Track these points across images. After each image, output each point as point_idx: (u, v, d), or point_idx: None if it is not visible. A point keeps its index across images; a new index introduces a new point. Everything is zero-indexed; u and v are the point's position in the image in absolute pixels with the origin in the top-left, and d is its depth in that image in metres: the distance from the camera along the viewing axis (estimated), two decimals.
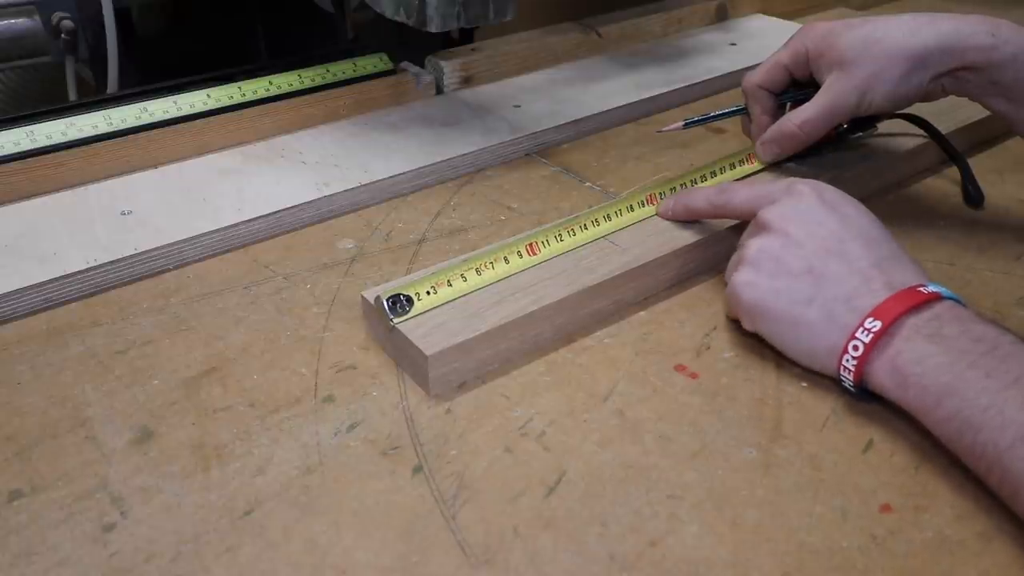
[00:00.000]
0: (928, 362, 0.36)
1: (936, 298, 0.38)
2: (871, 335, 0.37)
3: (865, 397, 0.39)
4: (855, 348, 0.38)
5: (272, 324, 0.45)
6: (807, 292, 0.40)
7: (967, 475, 0.36)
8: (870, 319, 0.38)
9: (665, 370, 0.42)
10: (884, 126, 0.59)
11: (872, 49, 0.48)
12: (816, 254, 0.40)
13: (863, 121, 0.56)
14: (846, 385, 0.39)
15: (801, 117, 0.51)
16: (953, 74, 0.48)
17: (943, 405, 0.35)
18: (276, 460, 0.37)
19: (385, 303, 0.41)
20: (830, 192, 0.43)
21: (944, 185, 0.59)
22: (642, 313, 0.46)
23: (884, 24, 0.49)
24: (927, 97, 0.50)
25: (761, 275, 0.41)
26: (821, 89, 0.50)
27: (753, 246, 0.42)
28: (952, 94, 0.50)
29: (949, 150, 0.59)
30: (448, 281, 0.42)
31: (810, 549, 0.33)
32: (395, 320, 0.41)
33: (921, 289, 0.38)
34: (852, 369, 0.38)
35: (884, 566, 0.32)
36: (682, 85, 0.73)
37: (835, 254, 0.40)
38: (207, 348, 0.44)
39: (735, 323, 0.45)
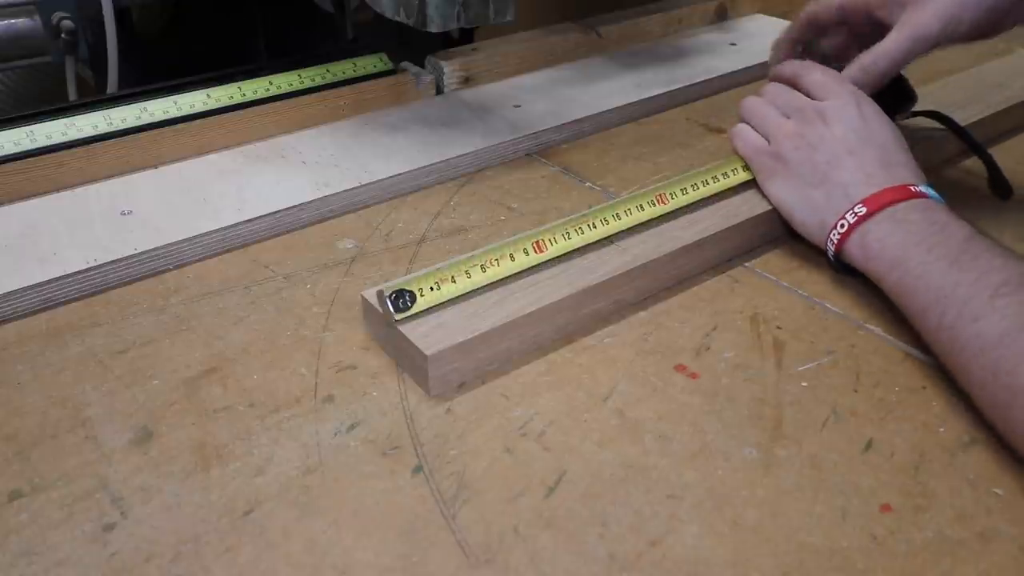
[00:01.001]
0: (887, 239, 0.44)
1: (921, 195, 0.45)
2: (856, 217, 0.45)
3: (842, 268, 0.47)
4: (841, 226, 0.46)
5: (272, 324, 0.45)
6: (821, 177, 0.48)
7: (967, 475, 0.36)
8: (859, 205, 0.45)
9: (665, 370, 0.42)
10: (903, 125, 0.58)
11: None
12: (840, 149, 0.48)
13: (898, 102, 0.56)
14: (829, 255, 0.47)
15: (877, 51, 0.50)
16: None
17: (892, 273, 0.43)
18: (276, 460, 0.37)
19: (388, 299, 0.41)
20: (867, 104, 0.50)
21: (969, 176, 0.59)
22: (642, 313, 0.46)
23: None
24: (999, 27, 0.49)
25: (796, 155, 0.49)
26: (897, 25, 0.50)
27: (802, 131, 0.49)
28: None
29: (972, 143, 0.59)
30: (452, 277, 0.42)
31: (810, 549, 0.33)
32: (397, 316, 0.41)
33: (911, 187, 0.45)
34: (835, 242, 0.46)
35: (884, 566, 0.32)
36: (682, 85, 0.73)
37: (852, 152, 0.47)
38: (207, 348, 0.44)
39: (735, 323, 0.45)
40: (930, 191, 0.45)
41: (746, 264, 0.51)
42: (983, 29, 0.49)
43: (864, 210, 0.45)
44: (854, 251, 0.45)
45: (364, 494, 0.35)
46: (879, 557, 0.33)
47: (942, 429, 0.39)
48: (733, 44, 0.83)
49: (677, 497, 0.35)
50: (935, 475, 0.36)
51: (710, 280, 0.49)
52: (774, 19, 0.90)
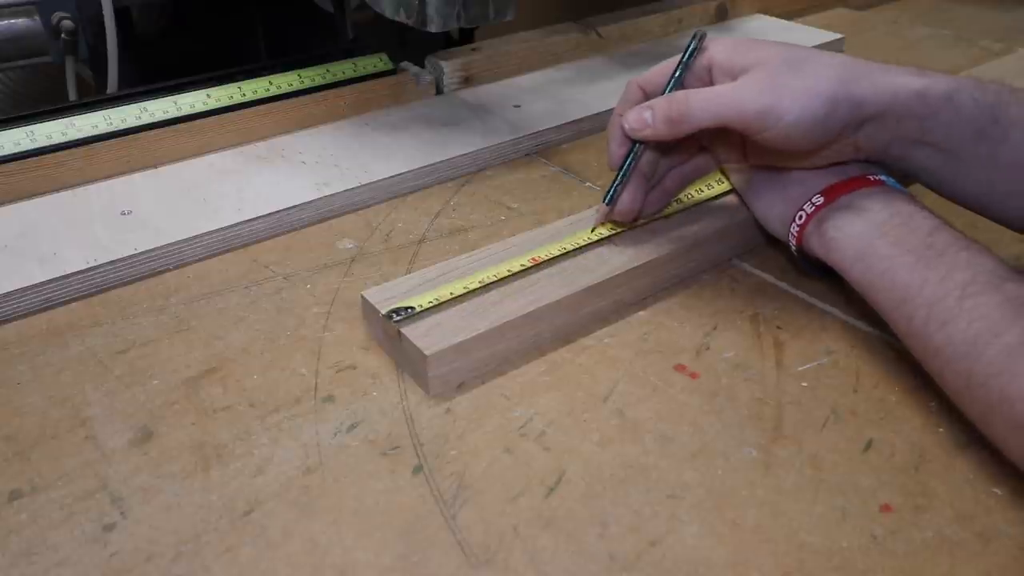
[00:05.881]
0: (847, 230, 0.41)
1: (878, 183, 0.43)
2: (813, 207, 0.43)
3: (806, 263, 0.46)
4: (799, 218, 0.44)
5: (272, 324, 0.45)
6: (777, 170, 0.46)
7: (967, 475, 0.36)
8: (817, 196, 0.43)
9: (665, 370, 0.42)
10: None
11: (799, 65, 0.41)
12: None
13: None
14: (792, 248, 0.45)
15: (688, 94, 0.42)
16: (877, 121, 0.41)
17: (855, 267, 0.41)
18: (276, 460, 0.37)
19: (386, 316, 0.41)
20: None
21: None
22: (642, 313, 0.46)
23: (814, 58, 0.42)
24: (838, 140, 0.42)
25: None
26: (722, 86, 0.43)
27: None
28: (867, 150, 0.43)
29: None
30: (450, 293, 0.42)
31: (810, 549, 0.33)
32: (396, 318, 0.41)
33: (869, 176, 0.43)
34: (795, 234, 0.44)
35: (884, 566, 0.32)
36: None
37: None
38: (207, 348, 0.44)
39: (735, 323, 0.45)
40: (890, 180, 0.43)
41: (746, 264, 0.51)
42: (816, 133, 0.41)
43: (822, 200, 0.43)
44: (814, 243, 0.43)
45: (364, 494, 0.35)
46: (879, 557, 0.33)
47: (942, 429, 0.39)
48: None
49: (677, 497, 0.35)
50: (935, 475, 0.36)
51: (710, 280, 0.49)
52: (774, 19, 0.90)
